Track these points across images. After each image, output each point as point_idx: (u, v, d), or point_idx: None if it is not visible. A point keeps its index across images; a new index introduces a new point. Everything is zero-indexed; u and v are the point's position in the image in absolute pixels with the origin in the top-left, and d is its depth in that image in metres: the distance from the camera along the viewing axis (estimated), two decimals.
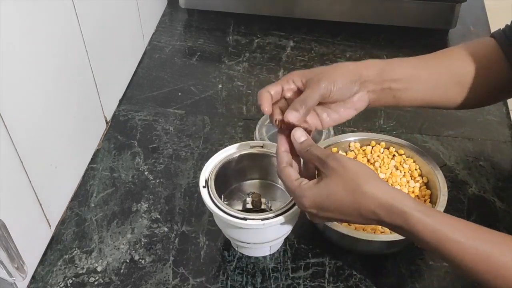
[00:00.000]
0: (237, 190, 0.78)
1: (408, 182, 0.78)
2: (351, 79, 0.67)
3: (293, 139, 0.64)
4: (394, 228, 0.59)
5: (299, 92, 0.67)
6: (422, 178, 0.78)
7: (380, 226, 0.73)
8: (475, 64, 0.70)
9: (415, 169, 0.79)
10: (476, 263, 0.55)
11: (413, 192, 0.77)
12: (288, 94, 0.67)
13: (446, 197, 0.73)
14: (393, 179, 0.78)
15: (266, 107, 0.66)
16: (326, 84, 0.65)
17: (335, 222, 0.71)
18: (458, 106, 0.73)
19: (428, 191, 0.77)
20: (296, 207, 0.67)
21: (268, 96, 0.66)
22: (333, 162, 0.60)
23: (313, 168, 0.64)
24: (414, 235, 0.57)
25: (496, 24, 0.80)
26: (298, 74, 0.67)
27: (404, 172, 0.79)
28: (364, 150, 0.82)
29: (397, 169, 0.80)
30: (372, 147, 0.82)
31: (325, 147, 0.81)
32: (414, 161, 0.80)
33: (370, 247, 0.72)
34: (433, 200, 0.75)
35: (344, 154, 0.82)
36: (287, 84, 0.67)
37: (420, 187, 0.78)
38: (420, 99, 0.71)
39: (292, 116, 0.63)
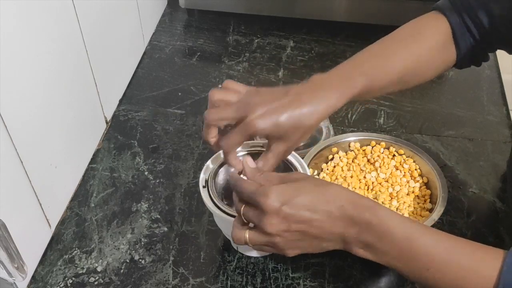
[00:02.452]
0: None
1: (408, 182, 0.78)
2: (320, 123, 0.64)
3: (245, 164, 0.63)
4: (361, 233, 0.55)
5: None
6: (422, 178, 0.79)
7: None
8: (427, 57, 0.71)
9: (415, 169, 0.79)
10: (446, 268, 0.53)
11: (413, 192, 0.77)
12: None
13: (446, 197, 0.73)
14: (393, 179, 0.78)
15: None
16: (291, 146, 0.63)
17: None
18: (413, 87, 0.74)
19: (428, 191, 0.77)
20: None
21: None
22: (298, 173, 0.62)
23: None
24: (383, 231, 0.54)
25: None
26: (261, 130, 0.61)
27: (404, 172, 0.79)
28: (364, 150, 0.82)
29: (397, 169, 0.80)
30: (372, 147, 0.82)
31: (325, 147, 0.81)
32: (414, 161, 0.80)
33: None
34: (433, 200, 0.76)
35: (344, 154, 0.82)
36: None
37: (420, 187, 0.78)
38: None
39: (250, 163, 0.63)
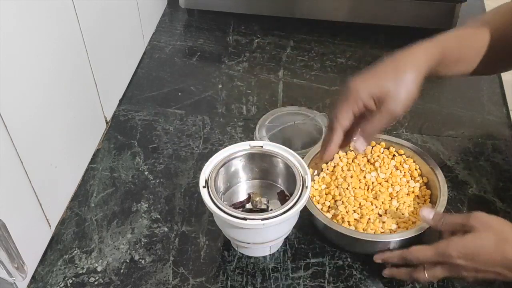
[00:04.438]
0: (237, 190, 0.78)
1: (408, 182, 0.78)
2: (415, 90, 0.67)
3: (423, 218, 0.68)
4: None
5: (364, 109, 0.67)
6: (422, 178, 0.79)
7: (380, 226, 0.73)
8: (495, 41, 0.73)
9: (415, 169, 0.79)
10: None
11: (413, 192, 0.77)
12: (357, 115, 0.68)
13: (446, 197, 0.73)
14: (393, 179, 0.78)
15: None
16: (396, 109, 0.66)
17: (335, 223, 0.72)
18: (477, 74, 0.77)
19: (428, 191, 0.77)
20: (296, 207, 0.67)
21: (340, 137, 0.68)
22: (476, 221, 0.63)
23: (449, 235, 0.66)
24: None
25: None
26: (365, 91, 0.66)
27: (404, 172, 0.79)
28: (364, 150, 0.82)
29: (397, 169, 0.80)
30: (372, 147, 0.82)
31: None
32: (414, 161, 0.80)
33: (370, 247, 0.72)
34: (433, 200, 0.76)
35: (344, 154, 0.82)
36: (356, 105, 0.67)
37: (420, 187, 0.78)
38: (451, 75, 0.76)
39: (362, 147, 0.69)
